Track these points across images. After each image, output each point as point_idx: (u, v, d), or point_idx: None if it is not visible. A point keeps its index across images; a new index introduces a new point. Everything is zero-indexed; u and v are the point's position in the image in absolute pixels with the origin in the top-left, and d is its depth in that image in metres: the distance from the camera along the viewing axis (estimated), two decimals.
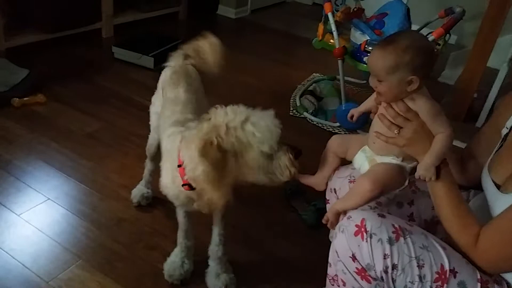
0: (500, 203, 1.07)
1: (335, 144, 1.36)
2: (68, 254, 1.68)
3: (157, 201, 1.95)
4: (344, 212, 1.21)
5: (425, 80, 1.16)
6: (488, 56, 2.65)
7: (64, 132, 2.36)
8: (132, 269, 1.65)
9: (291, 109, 2.91)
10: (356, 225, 1.08)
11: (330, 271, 1.20)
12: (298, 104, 2.93)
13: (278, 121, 1.21)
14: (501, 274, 1.11)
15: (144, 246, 1.75)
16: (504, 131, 1.21)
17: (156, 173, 1.84)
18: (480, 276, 1.07)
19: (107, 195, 1.98)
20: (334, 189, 1.42)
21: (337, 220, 1.22)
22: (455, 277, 1.06)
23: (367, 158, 1.27)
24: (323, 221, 1.27)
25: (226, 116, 1.20)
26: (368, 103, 1.33)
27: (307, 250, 1.83)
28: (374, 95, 1.28)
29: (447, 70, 3.54)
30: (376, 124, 1.23)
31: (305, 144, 2.48)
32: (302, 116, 2.84)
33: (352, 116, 1.37)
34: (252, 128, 1.18)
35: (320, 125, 2.77)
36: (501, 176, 1.12)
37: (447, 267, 1.06)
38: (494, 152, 1.21)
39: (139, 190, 1.95)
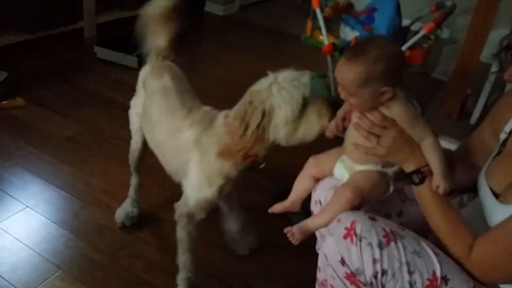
0: (499, 213, 1.03)
1: (313, 166, 1.32)
2: (47, 264, 1.62)
3: (140, 207, 1.88)
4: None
5: (397, 86, 1.10)
6: (480, 51, 2.60)
7: (44, 137, 2.29)
8: (114, 279, 1.59)
9: None
10: (346, 228, 1.04)
11: (320, 276, 1.16)
12: None
13: (306, 79, 1.26)
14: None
15: (126, 255, 1.69)
16: (503, 136, 1.15)
17: (142, 188, 1.83)
18: (474, 285, 1.03)
19: (88, 202, 1.91)
20: (319, 200, 1.37)
21: (302, 237, 1.17)
22: (446, 284, 1.02)
23: (346, 168, 1.22)
24: (285, 231, 1.21)
25: (260, 84, 1.27)
26: (346, 107, 1.27)
27: (295, 254, 1.77)
28: None
29: (441, 65, 3.50)
30: (352, 135, 1.18)
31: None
32: None
33: (337, 127, 1.28)
34: (277, 90, 1.23)
35: None
36: (500, 184, 1.07)
37: (438, 274, 1.02)
38: (492, 157, 1.16)
39: (123, 209, 1.83)
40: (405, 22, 2.87)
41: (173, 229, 1.80)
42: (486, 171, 1.13)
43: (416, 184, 1.11)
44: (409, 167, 1.11)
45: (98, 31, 3.48)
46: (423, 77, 3.37)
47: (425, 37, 2.57)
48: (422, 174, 1.09)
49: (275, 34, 4.12)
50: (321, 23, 2.54)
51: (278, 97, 1.22)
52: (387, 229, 1.04)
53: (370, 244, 1.02)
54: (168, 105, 1.46)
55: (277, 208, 1.36)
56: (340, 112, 1.27)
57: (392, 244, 1.02)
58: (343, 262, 1.05)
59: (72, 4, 3.24)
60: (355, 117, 1.16)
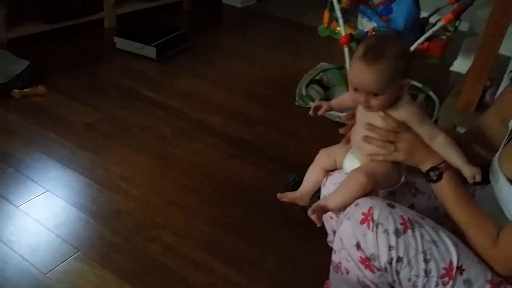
0: None
1: (323, 158, 1.32)
2: (66, 246, 1.65)
3: (155, 193, 1.92)
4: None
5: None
6: (500, 43, 2.56)
7: (64, 123, 2.33)
8: (131, 262, 1.62)
9: (297, 99, 2.85)
10: (363, 213, 1.05)
11: (335, 258, 1.17)
12: (304, 94, 2.86)
13: None
14: None
15: (143, 238, 1.72)
16: None
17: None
18: (492, 277, 1.02)
19: (106, 187, 1.95)
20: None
21: (320, 216, 1.16)
22: (461, 274, 1.02)
23: (358, 159, 1.22)
24: (308, 214, 1.17)
25: None
26: (340, 102, 1.30)
27: (310, 242, 1.78)
28: (347, 94, 1.25)
29: (460, 59, 3.45)
30: (364, 144, 1.18)
31: (311, 134, 2.45)
32: (308, 106, 2.77)
33: (317, 108, 1.30)
34: None
35: (326, 115, 2.70)
36: None
37: (455, 263, 1.02)
38: (502, 145, 1.14)
39: None
40: (424, 13, 2.83)
41: (189, 214, 1.85)
42: (499, 159, 1.12)
43: (435, 181, 1.11)
44: (426, 166, 1.12)
45: (117, 22, 3.53)
46: (441, 69, 3.34)
47: (444, 29, 2.54)
48: (439, 171, 1.10)
49: (292, 25, 4.11)
50: (339, 14, 2.52)
51: None
52: (405, 217, 1.04)
53: (386, 230, 1.02)
54: None
55: (286, 196, 1.33)
56: (332, 102, 1.31)
57: (409, 232, 1.02)
58: (358, 246, 1.06)
59: None
60: (363, 130, 1.16)
